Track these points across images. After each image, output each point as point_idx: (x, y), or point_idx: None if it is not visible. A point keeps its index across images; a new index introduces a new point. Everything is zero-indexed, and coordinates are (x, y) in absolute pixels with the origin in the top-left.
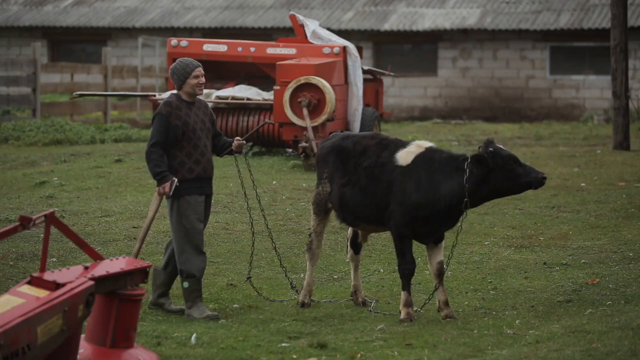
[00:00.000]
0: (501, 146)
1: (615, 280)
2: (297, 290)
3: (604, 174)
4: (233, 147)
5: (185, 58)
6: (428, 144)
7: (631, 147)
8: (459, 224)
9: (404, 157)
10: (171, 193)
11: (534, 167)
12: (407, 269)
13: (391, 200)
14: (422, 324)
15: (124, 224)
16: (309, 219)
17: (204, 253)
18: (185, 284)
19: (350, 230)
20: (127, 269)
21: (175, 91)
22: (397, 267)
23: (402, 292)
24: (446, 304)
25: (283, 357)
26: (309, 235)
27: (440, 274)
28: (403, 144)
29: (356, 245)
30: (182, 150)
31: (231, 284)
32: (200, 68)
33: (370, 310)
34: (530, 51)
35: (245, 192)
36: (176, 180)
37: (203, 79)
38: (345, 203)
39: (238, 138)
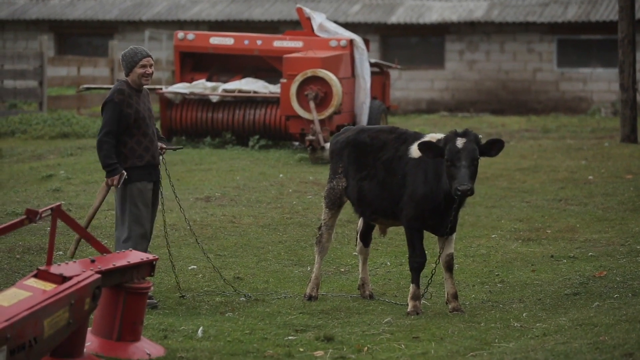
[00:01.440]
0: (470, 140)
1: (623, 273)
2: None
3: (612, 167)
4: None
5: (137, 46)
6: (441, 135)
7: (638, 139)
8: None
9: (417, 149)
10: (119, 185)
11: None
12: (417, 262)
13: (404, 193)
14: (428, 317)
15: None
16: (316, 212)
17: (148, 240)
18: None
19: (360, 222)
20: (133, 262)
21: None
22: (405, 260)
23: (411, 285)
24: (455, 297)
25: (290, 350)
26: (319, 228)
27: (449, 266)
28: (419, 137)
29: (366, 238)
30: (133, 137)
31: (238, 277)
32: (150, 58)
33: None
34: (537, 44)
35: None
36: (125, 173)
37: (150, 70)
38: (363, 197)
39: (163, 145)
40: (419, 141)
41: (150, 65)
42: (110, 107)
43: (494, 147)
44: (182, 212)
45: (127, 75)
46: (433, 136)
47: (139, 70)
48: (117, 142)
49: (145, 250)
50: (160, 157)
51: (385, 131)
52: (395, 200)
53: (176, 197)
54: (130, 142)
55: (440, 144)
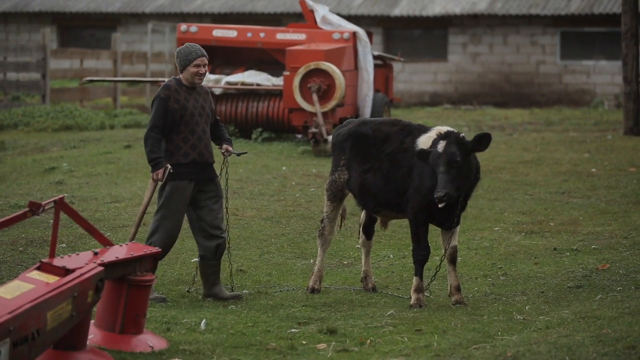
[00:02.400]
0: (449, 143)
1: (626, 266)
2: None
3: (615, 160)
4: (221, 150)
5: (193, 44)
6: (448, 129)
7: None
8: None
9: (424, 142)
10: (164, 180)
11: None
12: (421, 254)
13: (410, 185)
14: (431, 309)
15: (133, 209)
16: (319, 205)
17: (174, 238)
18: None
19: (363, 215)
20: (136, 254)
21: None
22: (408, 253)
23: (415, 278)
24: (458, 289)
25: (292, 343)
26: (322, 221)
27: (453, 259)
28: (425, 130)
29: (368, 231)
30: (179, 134)
31: (241, 270)
32: (204, 58)
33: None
34: (540, 36)
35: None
36: (170, 167)
37: (204, 69)
38: (367, 189)
39: (229, 148)
40: (417, 150)
41: (204, 65)
42: (157, 102)
43: (481, 142)
44: (227, 212)
45: (180, 72)
46: (440, 129)
47: (192, 70)
48: (164, 139)
49: (169, 247)
50: (225, 159)
51: (388, 123)
52: (400, 193)
53: (227, 198)
54: (177, 139)
55: (431, 148)
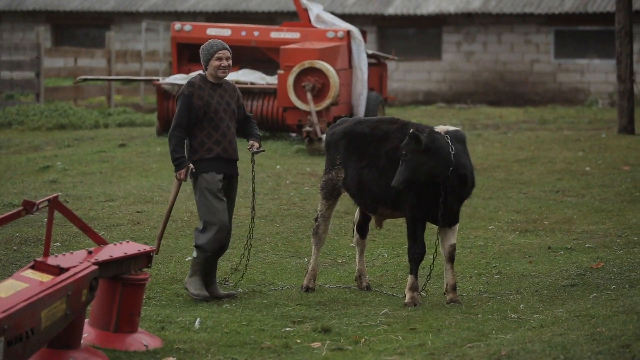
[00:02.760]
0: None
1: (620, 265)
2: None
3: (609, 158)
4: (247, 146)
5: (215, 40)
6: (446, 127)
7: (636, 131)
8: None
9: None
10: (187, 179)
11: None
12: (417, 253)
13: None
14: (426, 308)
15: (127, 208)
16: (313, 204)
17: (226, 231)
18: (194, 254)
19: (357, 213)
20: (130, 253)
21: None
22: (402, 252)
23: (409, 276)
24: (454, 288)
25: (287, 342)
26: (316, 219)
27: (451, 257)
28: (422, 128)
29: (362, 230)
30: (203, 130)
31: (235, 269)
32: (226, 51)
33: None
34: (534, 35)
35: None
36: (192, 166)
37: (226, 62)
38: (363, 186)
39: (254, 143)
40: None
41: (227, 58)
42: (180, 99)
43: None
44: (253, 209)
45: (205, 69)
46: (441, 128)
47: (214, 63)
48: (189, 135)
49: (223, 241)
50: (253, 155)
51: (387, 122)
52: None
53: (253, 195)
54: (201, 135)
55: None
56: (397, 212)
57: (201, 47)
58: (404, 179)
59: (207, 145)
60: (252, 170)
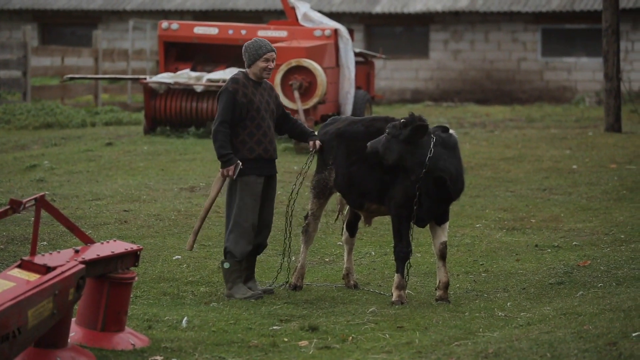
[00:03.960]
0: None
1: (607, 262)
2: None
3: (596, 156)
4: (309, 145)
5: (262, 39)
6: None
7: (622, 129)
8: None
9: None
10: (235, 176)
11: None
12: (402, 251)
13: (395, 180)
14: (413, 306)
15: (114, 207)
16: (301, 202)
17: (253, 232)
18: (226, 265)
19: (346, 212)
20: (117, 252)
21: (242, 69)
22: (390, 250)
23: (396, 275)
24: (446, 286)
25: (274, 340)
26: (306, 217)
27: (442, 255)
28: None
29: (352, 228)
30: (245, 129)
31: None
32: (273, 53)
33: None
34: (521, 33)
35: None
36: (240, 163)
37: (272, 64)
38: (352, 181)
39: (318, 143)
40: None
41: (273, 60)
42: (224, 96)
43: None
44: (291, 208)
45: (248, 67)
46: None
47: (261, 64)
48: (231, 133)
49: (250, 244)
50: (312, 152)
51: (380, 120)
52: (384, 184)
53: (296, 193)
54: (243, 133)
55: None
56: (383, 207)
57: (246, 45)
58: (375, 149)
59: (249, 145)
60: (304, 170)
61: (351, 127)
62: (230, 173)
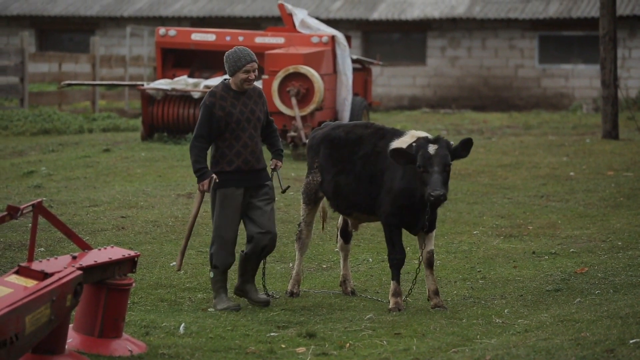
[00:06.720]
0: (442, 146)
1: (604, 269)
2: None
3: (593, 163)
4: (271, 165)
5: (244, 48)
6: (423, 133)
7: (620, 136)
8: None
9: (398, 145)
10: (210, 190)
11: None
12: (396, 258)
13: (381, 189)
14: (410, 313)
15: (112, 213)
16: (298, 209)
17: (233, 246)
18: (210, 274)
19: (340, 219)
20: (115, 258)
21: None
22: (386, 257)
23: (392, 282)
24: (436, 293)
25: (272, 347)
26: (299, 225)
27: (430, 263)
28: (399, 134)
29: (346, 235)
30: (225, 141)
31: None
32: (254, 63)
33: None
34: (519, 40)
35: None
36: (215, 177)
37: (253, 75)
38: (339, 191)
39: (278, 164)
40: (391, 148)
41: (254, 70)
42: (202, 109)
43: (465, 148)
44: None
45: (230, 77)
46: (414, 134)
47: (242, 76)
48: (210, 145)
49: (231, 255)
50: (275, 173)
51: (361, 126)
52: (371, 195)
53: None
54: (222, 146)
55: (412, 151)
56: (372, 216)
57: (226, 55)
58: (442, 193)
59: (228, 157)
60: (281, 188)
61: (333, 132)
62: (205, 187)
